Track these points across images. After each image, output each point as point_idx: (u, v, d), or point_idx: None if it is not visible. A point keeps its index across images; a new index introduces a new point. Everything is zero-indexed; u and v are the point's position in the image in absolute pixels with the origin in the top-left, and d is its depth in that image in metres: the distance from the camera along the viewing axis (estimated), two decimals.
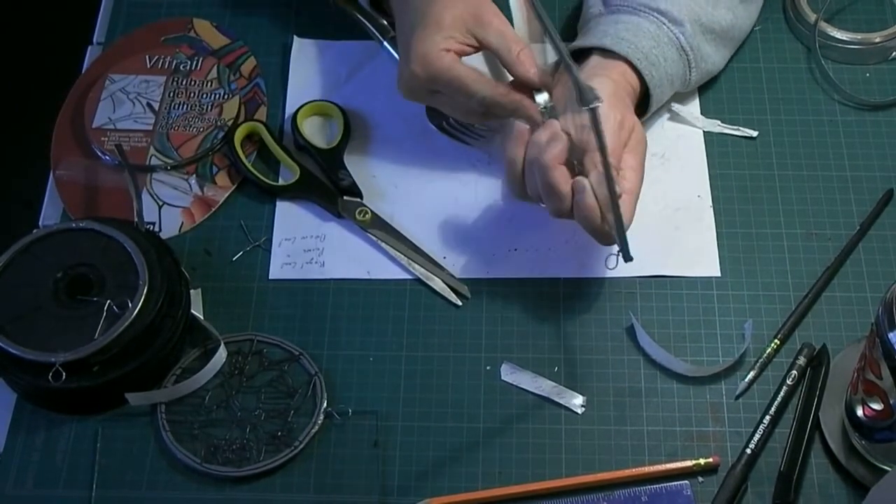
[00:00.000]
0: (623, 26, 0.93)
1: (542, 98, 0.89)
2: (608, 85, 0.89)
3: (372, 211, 0.95)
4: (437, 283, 0.92)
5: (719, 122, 0.99)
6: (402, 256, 0.93)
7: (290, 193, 0.97)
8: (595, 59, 0.93)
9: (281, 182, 0.97)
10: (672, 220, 0.95)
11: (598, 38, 0.93)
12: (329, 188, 0.96)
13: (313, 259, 0.94)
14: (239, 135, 0.98)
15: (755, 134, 0.99)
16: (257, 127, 0.99)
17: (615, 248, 0.84)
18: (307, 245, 0.95)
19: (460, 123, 0.99)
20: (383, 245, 0.93)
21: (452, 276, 0.92)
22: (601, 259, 0.92)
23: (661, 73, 0.94)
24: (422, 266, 0.92)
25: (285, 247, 0.94)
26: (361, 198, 0.96)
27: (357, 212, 0.95)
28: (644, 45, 0.92)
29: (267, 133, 0.98)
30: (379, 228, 0.94)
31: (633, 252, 0.90)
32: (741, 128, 0.99)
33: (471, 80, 0.89)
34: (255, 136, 0.99)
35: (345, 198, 0.96)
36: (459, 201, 0.96)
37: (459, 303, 0.91)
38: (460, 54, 0.90)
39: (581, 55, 0.95)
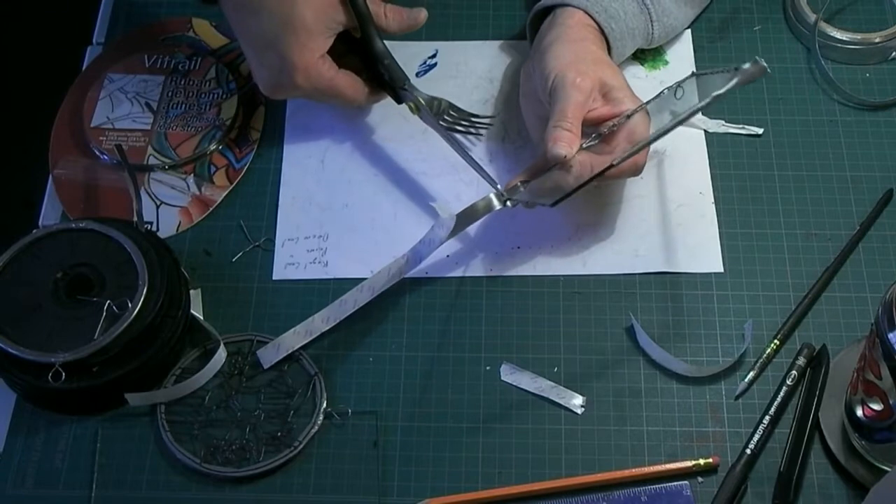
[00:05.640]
0: None
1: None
2: (569, 50, 0.90)
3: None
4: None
5: (723, 122, 0.99)
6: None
7: None
8: (554, 14, 0.93)
9: None
10: (674, 216, 0.95)
11: None
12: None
13: (316, 259, 0.94)
14: None
15: (760, 131, 0.99)
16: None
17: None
18: (310, 245, 0.94)
19: (461, 121, 0.99)
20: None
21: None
22: (603, 257, 0.92)
23: (621, 26, 0.94)
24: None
25: (288, 247, 0.94)
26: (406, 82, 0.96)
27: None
28: None
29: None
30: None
31: (635, 250, 0.90)
32: (745, 126, 0.99)
33: (349, 90, 0.94)
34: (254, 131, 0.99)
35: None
36: (462, 199, 0.96)
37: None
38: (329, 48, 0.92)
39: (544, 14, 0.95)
